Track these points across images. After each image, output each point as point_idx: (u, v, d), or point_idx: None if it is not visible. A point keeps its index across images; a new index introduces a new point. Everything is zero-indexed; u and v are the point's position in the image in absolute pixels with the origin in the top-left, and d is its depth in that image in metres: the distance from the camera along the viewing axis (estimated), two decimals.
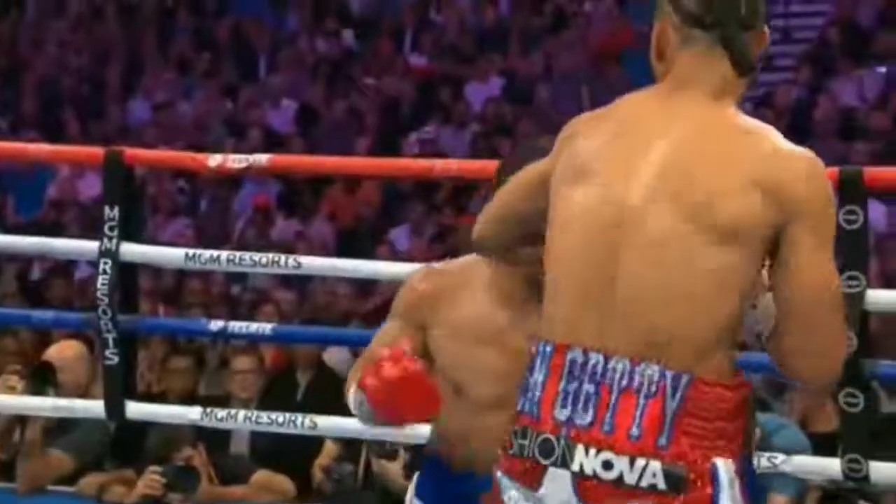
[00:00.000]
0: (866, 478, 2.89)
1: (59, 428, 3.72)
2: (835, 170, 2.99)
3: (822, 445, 3.24)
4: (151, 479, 3.51)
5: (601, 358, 1.56)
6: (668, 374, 1.54)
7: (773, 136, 1.61)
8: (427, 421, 1.99)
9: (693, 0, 1.62)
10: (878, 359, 3.10)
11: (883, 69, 8.41)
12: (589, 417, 1.55)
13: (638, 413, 1.53)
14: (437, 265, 2.14)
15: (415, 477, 2.17)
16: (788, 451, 2.98)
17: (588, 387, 1.55)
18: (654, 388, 1.54)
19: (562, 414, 1.56)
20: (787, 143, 1.61)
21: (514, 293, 2.00)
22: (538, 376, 1.60)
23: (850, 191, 2.90)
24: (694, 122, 1.61)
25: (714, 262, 1.55)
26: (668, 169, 1.58)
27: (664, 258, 1.55)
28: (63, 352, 3.84)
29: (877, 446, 3.05)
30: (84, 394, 3.77)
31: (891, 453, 3.19)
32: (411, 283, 2.09)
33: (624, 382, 1.55)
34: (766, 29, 1.67)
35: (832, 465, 2.91)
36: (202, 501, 3.57)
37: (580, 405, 1.56)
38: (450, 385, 2.00)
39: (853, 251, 2.91)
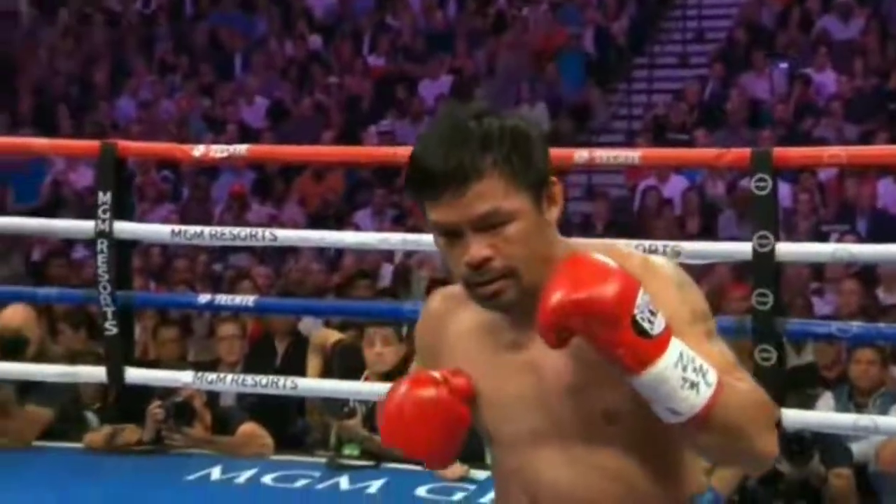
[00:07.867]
0: (779, 424, 2.95)
1: (26, 385, 3.64)
2: (747, 150, 3.07)
3: None
4: (154, 410, 3.56)
5: None
6: None
7: None
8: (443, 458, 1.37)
9: None
10: (787, 317, 3.18)
11: (785, 65, 8.53)
12: None
13: None
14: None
15: None
16: None
17: None
18: None
19: None
20: None
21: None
22: None
23: (760, 165, 2.97)
24: None
25: None
26: None
27: None
28: (16, 316, 3.72)
29: (787, 395, 3.12)
30: (41, 349, 3.73)
31: (797, 400, 3.27)
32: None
33: None
34: None
35: None
36: (193, 445, 3.60)
37: None
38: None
39: (763, 214, 3.00)
